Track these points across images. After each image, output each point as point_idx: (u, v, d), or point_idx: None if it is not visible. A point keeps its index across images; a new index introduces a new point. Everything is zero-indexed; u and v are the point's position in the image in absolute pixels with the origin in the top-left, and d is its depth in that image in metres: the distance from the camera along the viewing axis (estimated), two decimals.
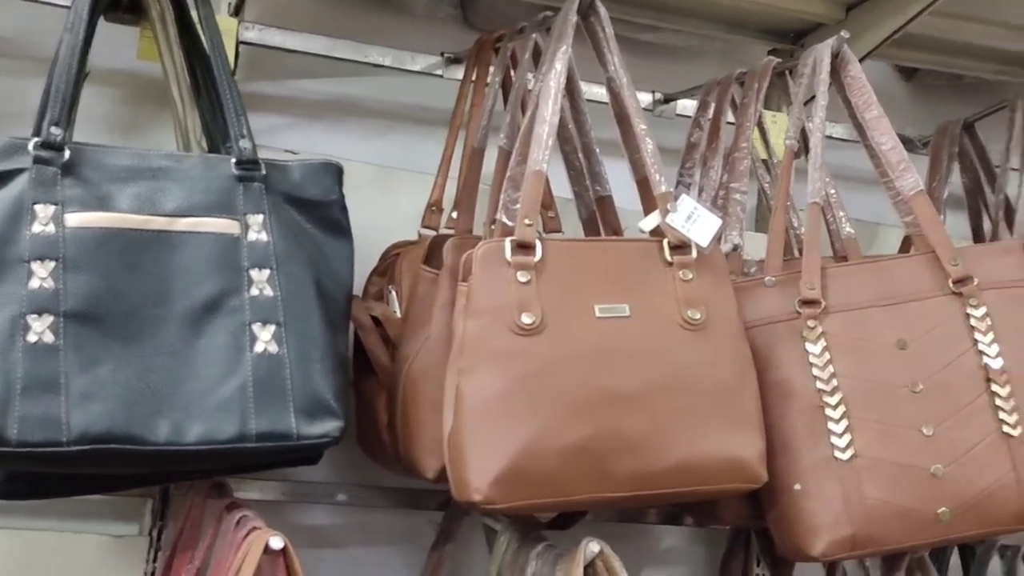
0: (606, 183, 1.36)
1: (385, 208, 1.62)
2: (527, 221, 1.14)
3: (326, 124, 1.72)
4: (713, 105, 1.57)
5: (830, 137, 1.78)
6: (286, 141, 1.66)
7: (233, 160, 1.13)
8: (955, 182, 1.84)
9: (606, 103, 1.36)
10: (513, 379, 1.09)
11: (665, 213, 1.20)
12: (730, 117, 1.57)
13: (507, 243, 1.13)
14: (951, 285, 1.28)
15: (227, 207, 1.10)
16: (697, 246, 1.19)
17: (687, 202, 1.20)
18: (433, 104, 1.69)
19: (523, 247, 1.13)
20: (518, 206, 1.16)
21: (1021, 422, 1.24)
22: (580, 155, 1.37)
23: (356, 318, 1.31)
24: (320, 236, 1.17)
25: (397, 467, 1.31)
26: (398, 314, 1.32)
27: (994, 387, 1.25)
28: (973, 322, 1.27)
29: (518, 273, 1.12)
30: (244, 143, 1.13)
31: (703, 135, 1.57)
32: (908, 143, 1.93)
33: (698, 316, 1.16)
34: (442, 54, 1.66)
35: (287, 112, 1.71)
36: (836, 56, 1.36)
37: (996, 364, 1.25)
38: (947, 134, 1.87)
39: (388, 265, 1.40)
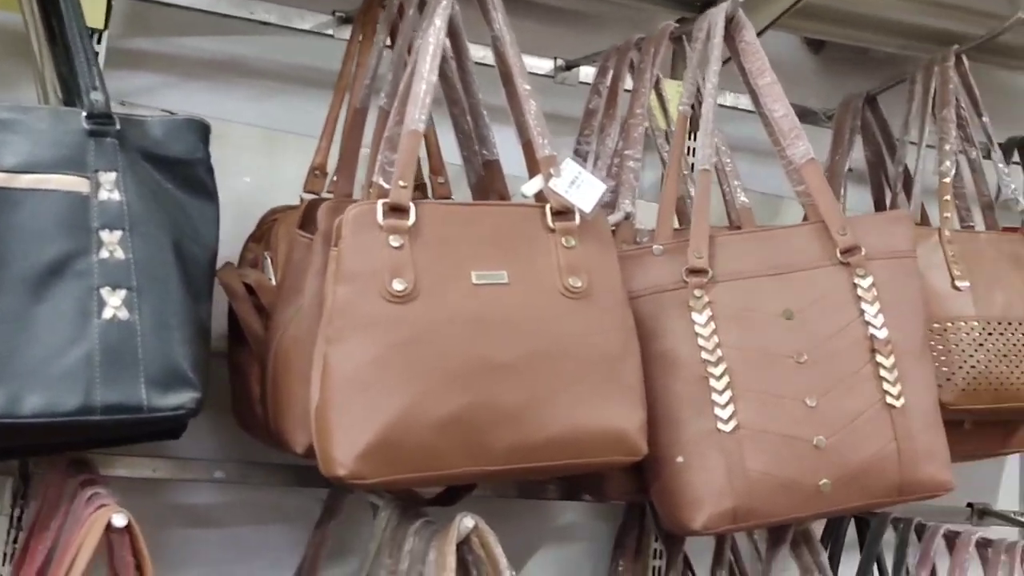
0: (493, 147, 1.32)
1: (271, 172, 1.56)
2: (401, 183, 1.09)
3: (211, 84, 1.64)
4: (612, 71, 1.54)
5: (734, 108, 1.75)
6: (167, 101, 1.58)
7: (84, 114, 1.06)
8: (860, 156, 1.84)
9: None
10: (384, 348, 1.05)
11: (548, 177, 1.16)
12: (629, 84, 1.53)
13: (379, 206, 1.08)
14: (839, 255, 1.26)
15: (76, 164, 1.03)
16: (580, 212, 1.15)
17: (571, 166, 1.16)
18: (324, 65, 1.62)
19: (396, 210, 1.08)
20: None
21: (904, 393, 1.23)
22: (468, 118, 1.32)
23: (228, 285, 1.25)
24: (182, 197, 1.10)
25: (271, 442, 1.26)
26: (273, 281, 1.26)
27: (879, 358, 1.23)
28: (860, 292, 1.25)
29: (390, 237, 1.07)
30: (96, 95, 1.06)
31: (601, 102, 1.53)
32: (813, 116, 1.93)
33: (580, 284, 1.13)
34: (333, 12, 1.59)
35: (169, 71, 1.63)
36: (731, 21, 1.33)
37: (881, 334, 1.24)
38: (850, 107, 1.86)
39: (265, 231, 1.34)
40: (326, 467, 1.04)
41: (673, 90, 1.67)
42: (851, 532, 1.76)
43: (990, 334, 1.53)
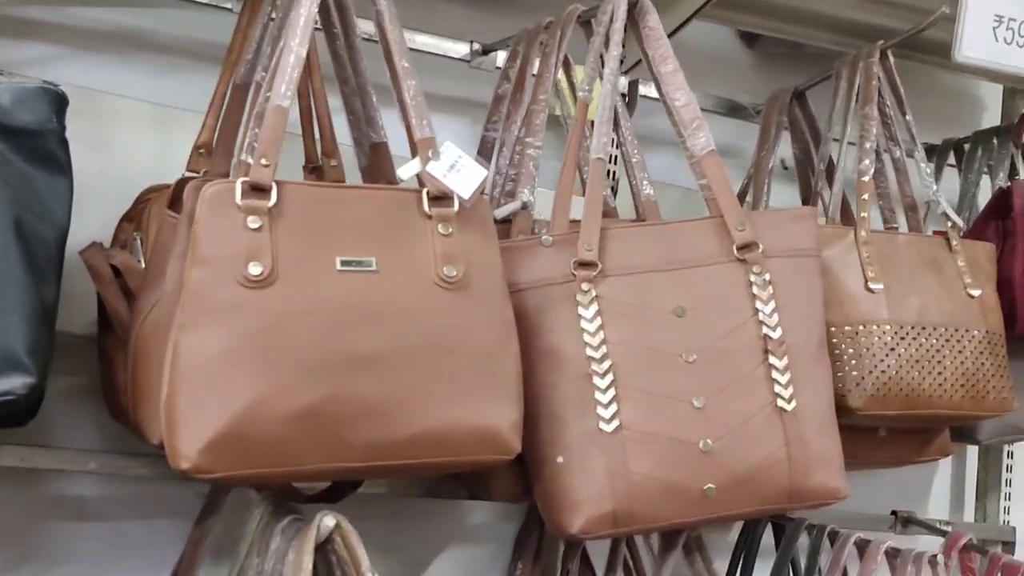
0: (380, 129, 1.26)
1: (165, 150, 1.49)
2: (264, 161, 1.03)
3: (106, 57, 1.57)
4: (521, 55, 1.48)
5: (646, 97, 1.70)
6: (58, 73, 1.50)
7: None
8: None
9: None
10: (236, 336, 0.99)
11: (426, 160, 1.10)
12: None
13: (238, 185, 1.02)
14: (735, 251, 1.21)
15: None
16: (459, 198, 1.10)
17: (451, 150, 1.11)
18: (224, 40, 1.55)
19: (257, 189, 1.02)
20: None
21: (797, 396, 1.19)
22: (358, 98, 1.26)
23: (93, 267, 1.19)
24: (29, 170, 1.04)
25: (136, 432, 1.19)
26: (142, 264, 1.20)
27: (772, 359, 1.19)
28: (755, 290, 1.20)
29: (248, 218, 1.01)
30: None
31: (510, 87, 1.47)
32: (742, 110, 1.89)
33: (455, 273, 1.07)
34: None
35: (64, 42, 1.56)
36: (634, 6, 1.28)
37: (775, 335, 1.19)
38: (777, 102, 1.81)
39: (139, 210, 1.27)
40: (172, 460, 0.98)
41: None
42: (768, 537, 1.72)
43: (902, 339, 1.49)
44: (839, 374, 1.46)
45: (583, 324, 1.16)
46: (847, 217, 1.73)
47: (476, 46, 1.67)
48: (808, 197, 1.77)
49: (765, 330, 1.19)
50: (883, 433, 1.59)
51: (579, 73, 1.57)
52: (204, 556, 1.41)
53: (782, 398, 1.18)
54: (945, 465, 2.19)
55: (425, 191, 1.09)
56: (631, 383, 1.15)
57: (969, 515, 2.20)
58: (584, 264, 1.18)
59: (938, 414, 1.51)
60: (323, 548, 1.08)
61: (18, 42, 1.51)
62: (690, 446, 1.14)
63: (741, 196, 1.79)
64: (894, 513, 2.02)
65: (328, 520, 1.06)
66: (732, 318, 1.19)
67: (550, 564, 1.51)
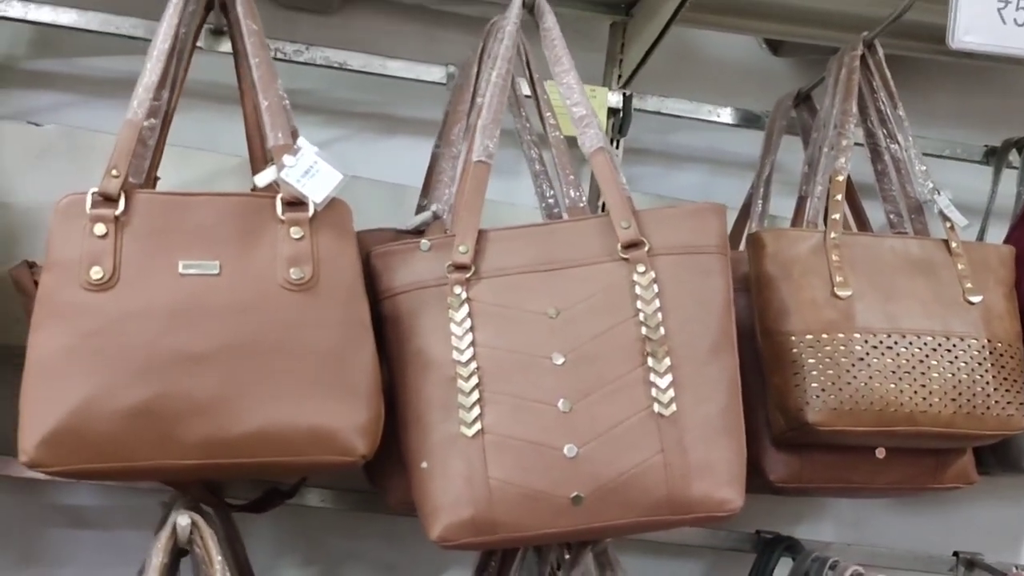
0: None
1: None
2: (114, 172, 1.09)
3: (115, 102, 1.70)
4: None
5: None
6: (73, 118, 1.66)
7: None
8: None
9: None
10: (76, 336, 1.04)
11: (281, 167, 1.12)
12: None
13: (88, 195, 1.08)
14: (619, 250, 1.16)
15: None
16: (312, 202, 1.11)
17: (308, 155, 1.13)
18: (215, 79, 1.65)
19: (106, 199, 1.08)
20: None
21: (678, 400, 1.11)
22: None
23: (19, 283, 1.28)
24: None
25: None
26: None
27: (651, 362, 1.12)
28: (638, 290, 1.14)
29: (95, 226, 1.07)
30: None
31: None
32: (756, 120, 1.80)
33: (301, 276, 1.09)
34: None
35: (75, 90, 1.71)
36: (531, 9, 1.27)
37: (656, 335, 1.13)
38: (780, 107, 1.73)
39: None
40: (19, 455, 1.05)
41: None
42: None
43: (875, 347, 1.36)
44: (797, 386, 1.35)
45: (452, 327, 1.14)
46: (861, 224, 1.62)
47: (452, 69, 1.69)
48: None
49: (645, 331, 1.12)
50: (881, 455, 1.45)
51: (550, 89, 1.56)
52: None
53: (659, 402, 1.11)
54: None
55: (279, 196, 1.12)
56: (496, 387, 1.12)
57: None
58: (458, 267, 1.16)
59: (924, 431, 1.37)
60: (191, 548, 1.11)
61: (38, 92, 1.66)
62: (553, 451, 1.09)
63: (746, 205, 1.71)
64: (955, 554, 1.83)
65: (183, 519, 1.10)
66: (609, 319, 1.13)
67: None
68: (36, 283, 1.27)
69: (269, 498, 1.36)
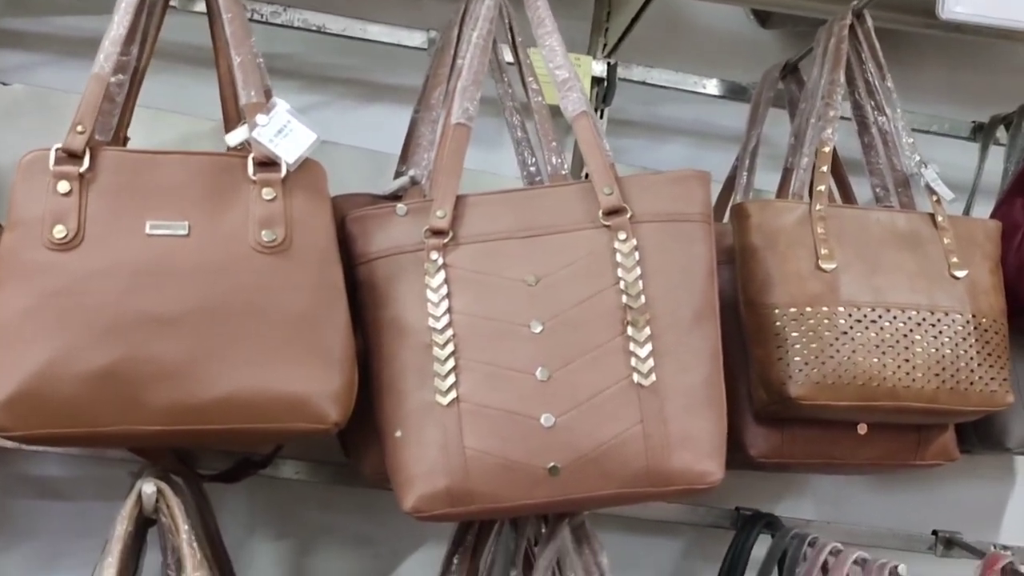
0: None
1: None
2: (79, 128, 1.06)
3: (86, 62, 1.66)
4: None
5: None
6: (44, 78, 1.62)
7: None
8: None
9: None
10: (38, 296, 1.01)
11: (253, 126, 1.09)
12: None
13: (52, 151, 1.05)
14: (601, 216, 1.13)
15: None
16: (284, 162, 1.08)
17: (281, 114, 1.10)
18: (194, 41, 1.61)
19: (70, 155, 1.05)
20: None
21: (658, 370, 1.09)
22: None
23: None
24: None
25: None
26: None
27: (631, 330, 1.09)
28: (619, 258, 1.11)
29: (59, 183, 1.04)
30: None
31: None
32: (743, 91, 1.77)
33: (272, 238, 1.06)
34: None
35: (43, 49, 1.66)
36: None
37: (636, 304, 1.10)
38: (767, 79, 1.70)
39: None
40: None
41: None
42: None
43: (858, 321, 1.34)
44: (780, 360, 1.33)
45: (428, 294, 1.11)
46: (846, 197, 1.60)
47: (432, 34, 1.65)
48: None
49: (626, 299, 1.10)
50: (862, 431, 1.44)
51: (534, 56, 1.53)
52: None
53: (639, 372, 1.08)
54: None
55: (251, 156, 1.08)
56: (472, 354, 1.09)
57: None
58: (435, 232, 1.13)
59: (907, 406, 1.35)
60: (157, 517, 1.08)
61: (7, 51, 1.62)
62: (530, 421, 1.07)
63: (731, 178, 1.68)
64: (935, 533, 1.82)
65: (148, 487, 1.07)
66: (589, 287, 1.10)
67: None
68: None
69: (242, 468, 1.33)
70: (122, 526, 1.04)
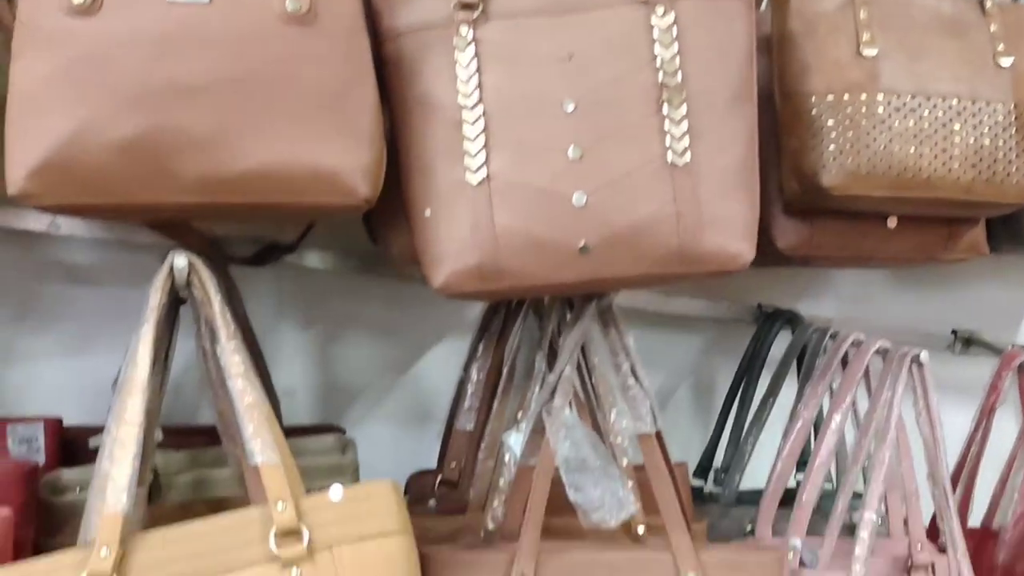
0: None
1: None
2: None
3: None
4: None
5: None
6: None
7: None
8: None
9: None
10: (59, 64, 0.98)
11: None
12: None
13: None
14: None
15: None
16: None
17: None
18: None
19: None
20: None
21: (694, 150, 1.06)
22: None
23: None
24: None
25: None
26: None
27: (666, 109, 1.07)
28: (656, 34, 1.07)
29: None
30: None
31: None
32: None
33: (297, 7, 1.02)
34: None
35: None
36: None
37: (673, 82, 1.07)
38: None
39: None
40: (6, 188, 1.01)
41: None
42: None
43: (897, 110, 1.31)
44: (814, 149, 1.31)
45: (458, 70, 1.08)
46: None
47: None
48: None
49: (662, 77, 1.07)
50: (892, 224, 1.42)
51: None
52: None
53: (674, 151, 1.06)
54: None
55: None
56: (503, 132, 1.07)
57: None
58: (465, 6, 1.09)
59: (943, 198, 1.33)
60: (189, 289, 1.09)
61: None
62: (562, 198, 1.06)
63: None
64: (954, 332, 1.83)
65: (180, 260, 1.07)
66: (624, 64, 1.07)
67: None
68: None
69: (269, 251, 1.33)
70: (155, 297, 1.05)
